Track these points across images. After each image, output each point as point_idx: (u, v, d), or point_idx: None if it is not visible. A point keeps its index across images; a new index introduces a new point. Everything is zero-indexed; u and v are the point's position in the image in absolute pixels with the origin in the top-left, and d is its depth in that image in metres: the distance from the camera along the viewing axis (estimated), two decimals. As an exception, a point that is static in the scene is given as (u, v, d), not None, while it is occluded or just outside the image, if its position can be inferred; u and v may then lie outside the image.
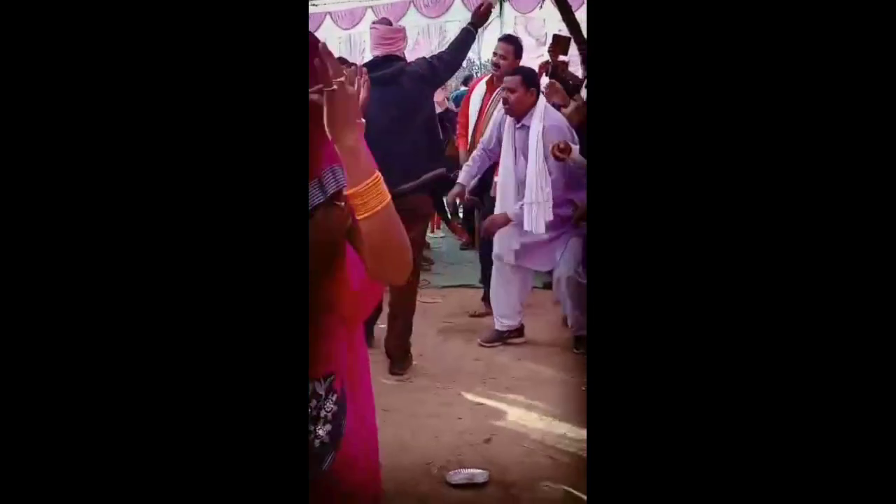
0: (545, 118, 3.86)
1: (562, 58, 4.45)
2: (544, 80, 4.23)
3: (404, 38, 3.76)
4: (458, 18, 9.91)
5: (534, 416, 3.12)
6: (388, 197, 1.12)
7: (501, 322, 4.08)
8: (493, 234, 4.05)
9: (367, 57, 4.41)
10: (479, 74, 8.08)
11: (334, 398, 1.26)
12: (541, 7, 7.10)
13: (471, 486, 2.56)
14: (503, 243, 3.98)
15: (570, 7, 5.99)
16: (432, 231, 7.30)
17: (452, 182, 4.09)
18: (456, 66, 3.92)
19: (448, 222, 6.99)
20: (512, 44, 4.43)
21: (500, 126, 4.08)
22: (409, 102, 3.49)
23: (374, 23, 4.01)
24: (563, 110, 3.99)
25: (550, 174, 3.77)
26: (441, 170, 3.57)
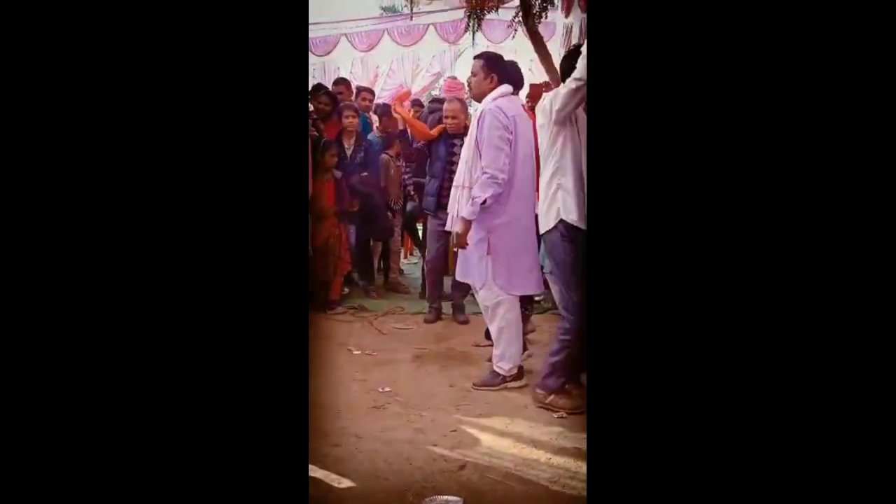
0: (487, 103, 3.80)
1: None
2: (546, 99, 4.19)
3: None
4: (431, 48, 10.10)
5: (507, 443, 3.12)
6: None
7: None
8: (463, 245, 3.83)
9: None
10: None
11: None
12: (512, 38, 7.20)
13: (445, 513, 2.55)
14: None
15: (541, 38, 6.11)
16: (405, 257, 7.30)
17: None
18: None
19: (421, 247, 6.98)
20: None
21: None
22: None
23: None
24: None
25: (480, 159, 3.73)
26: None
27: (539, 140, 3.52)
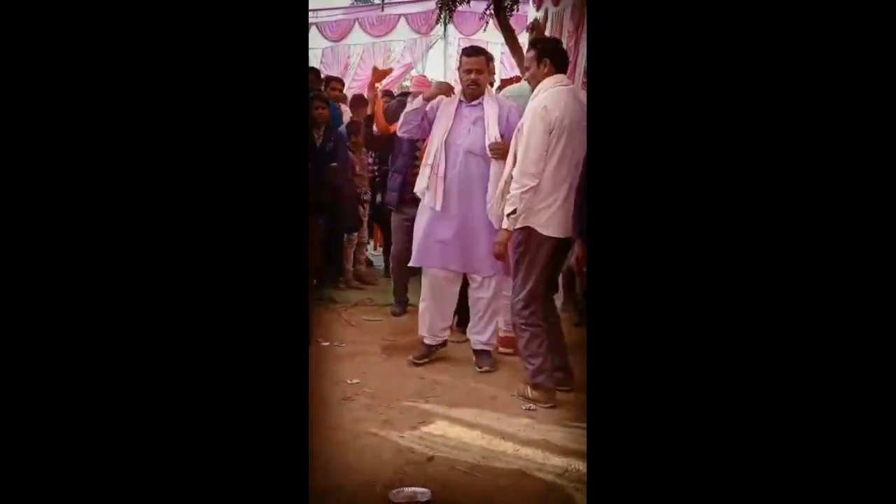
0: (499, 99, 4.07)
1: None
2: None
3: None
4: (402, 38, 10.05)
5: (475, 435, 3.14)
6: None
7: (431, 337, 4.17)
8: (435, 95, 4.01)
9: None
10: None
11: None
12: (484, 30, 7.21)
13: (413, 504, 2.56)
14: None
15: (513, 30, 6.11)
16: (375, 249, 7.28)
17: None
18: None
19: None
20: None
21: (423, 112, 4.09)
22: None
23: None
24: None
25: None
26: None
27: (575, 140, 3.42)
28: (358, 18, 10.09)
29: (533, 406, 3.45)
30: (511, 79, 5.96)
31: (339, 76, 8.22)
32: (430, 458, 2.90)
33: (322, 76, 7.06)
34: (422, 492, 2.61)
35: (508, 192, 3.44)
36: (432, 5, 7.78)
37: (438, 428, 3.22)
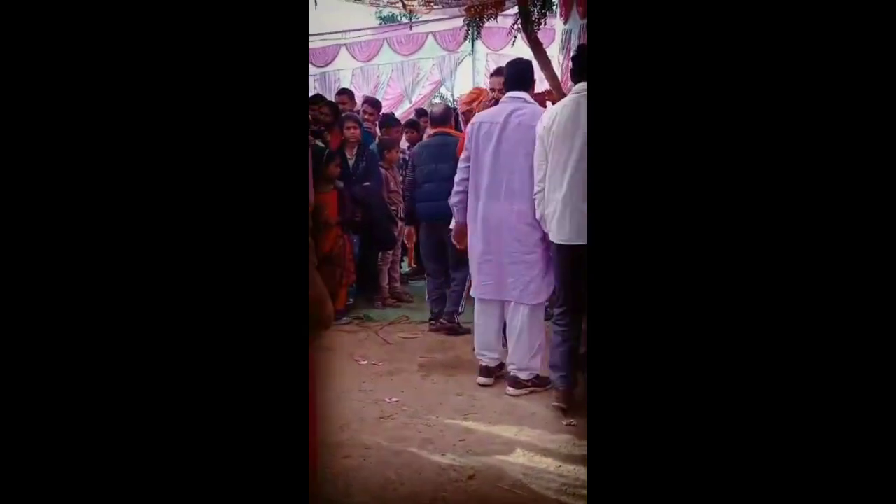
0: None
1: None
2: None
3: None
4: (431, 56, 10.12)
5: (517, 452, 3.11)
6: None
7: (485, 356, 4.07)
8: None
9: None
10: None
11: None
12: (512, 45, 7.22)
13: (455, 523, 2.54)
14: None
15: (541, 44, 6.11)
16: (409, 266, 7.30)
17: None
18: None
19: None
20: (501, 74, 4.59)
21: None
22: None
23: None
24: None
25: None
26: None
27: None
28: (387, 38, 10.19)
29: (573, 422, 3.41)
30: (542, 93, 5.94)
31: (371, 95, 8.30)
32: (472, 476, 2.88)
33: (356, 97, 7.12)
34: (464, 510, 2.59)
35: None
36: (460, 22, 7.82)
37: (479, 445, 3.19)
